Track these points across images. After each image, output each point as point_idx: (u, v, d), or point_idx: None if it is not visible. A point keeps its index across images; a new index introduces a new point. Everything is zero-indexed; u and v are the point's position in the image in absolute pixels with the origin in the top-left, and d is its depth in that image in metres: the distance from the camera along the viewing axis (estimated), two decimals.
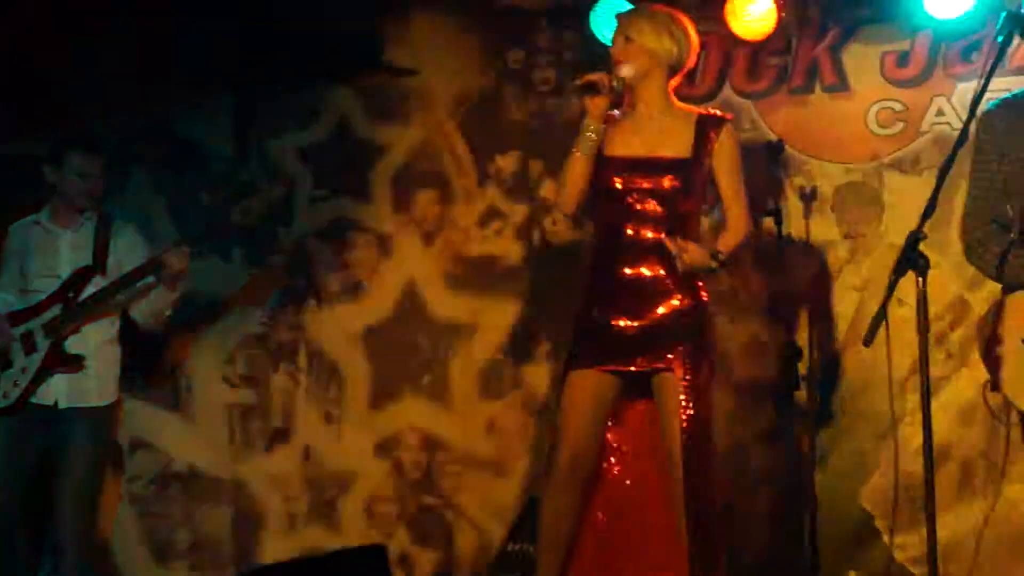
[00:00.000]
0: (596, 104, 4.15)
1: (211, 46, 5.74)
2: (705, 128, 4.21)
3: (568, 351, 4.32)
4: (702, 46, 5.35)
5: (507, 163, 5.82)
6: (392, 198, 5.98)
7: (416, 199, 5.94)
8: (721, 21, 5.20)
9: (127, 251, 5.08)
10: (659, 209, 4.17)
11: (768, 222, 5.03)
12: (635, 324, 4.17)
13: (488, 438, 5.80)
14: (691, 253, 4.05)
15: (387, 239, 5.98)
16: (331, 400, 6.02)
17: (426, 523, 5.85)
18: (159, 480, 6.08)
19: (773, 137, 5.26)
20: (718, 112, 4.32)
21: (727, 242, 4.19)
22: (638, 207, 4.19)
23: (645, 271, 4.18)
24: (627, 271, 4.20)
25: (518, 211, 5.82)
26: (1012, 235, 3.74)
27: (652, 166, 4.19)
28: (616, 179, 4.20)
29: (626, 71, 4.16)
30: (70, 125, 5.50)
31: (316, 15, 5.66)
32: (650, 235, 4.16)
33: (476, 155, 5.88)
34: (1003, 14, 3.62)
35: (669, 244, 4.06)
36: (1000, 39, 3.63)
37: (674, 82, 4.29)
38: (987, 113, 3.85)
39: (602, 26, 5.27)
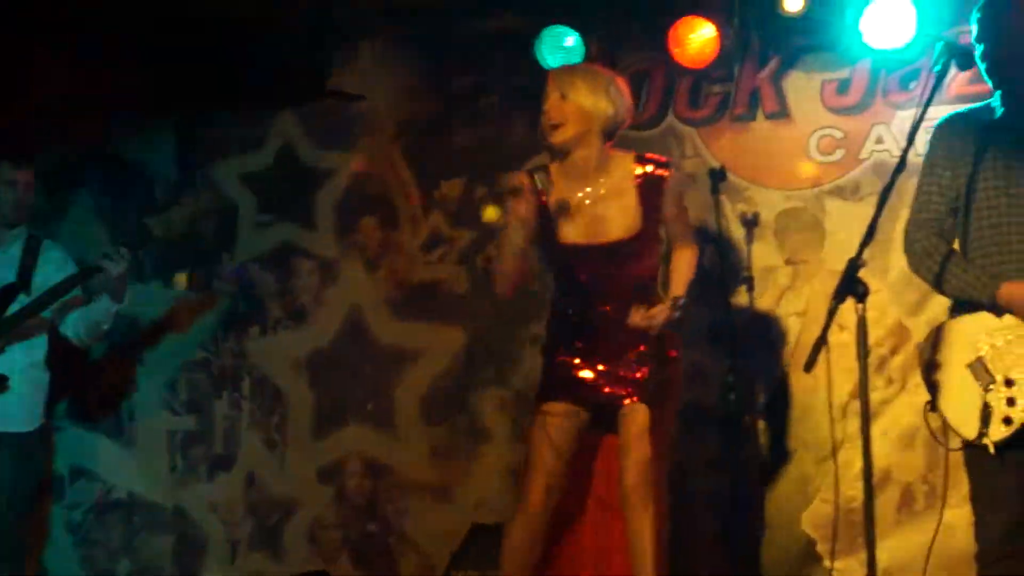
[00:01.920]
0: (517, 206, 4.17)
1: (155, 70, 5.69)
2: (649, 188, 4.18)
3: (539, 384, 4.33)
4: (646, 74, 5.42)
5: (452, 188, 5.81)
6: (336, 224, 5.96)
7: (360, 225, 5.93)
8: (664, 49, 5.22)
9: (55, 271, 4.99)
10: (618, 284, 4.19)
11: (710, 249, 5.05)
12: (601, 367, 4.19)
13: (432, 464, 5.77)
14: (657, 318, 4.07)
15: (331, 265, 5.96)
16: (274, 426, 5.99)
17: (370, 549, 5.81)
18: (98, 508, 6.00)
19: (716, 164, 5.27)
20: (655, 163, 4.23)
21: (681, 280, 4.20)
22: (597, 286, 4.20)
23: (605, 323, 4.20)
24: (589, 320, 4.21)
25: (463, 236, 5.80)
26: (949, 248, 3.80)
27: (606, 252, 4.18)
28: (572, 264, 4.22)
29: (559, 137, 4.13)
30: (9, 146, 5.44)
31: (261, 40, 5.63)
32: (612, 298, 4.18)
33: (421, 180, 5.86)
34: (939, 44, 3.66)
35: (637, 322, 4.08)
36: (937, 68, 3.68)
37: (608, 144, 4.22)
38: (940, 126, 3.90)
39: (547, 53, 5.28)
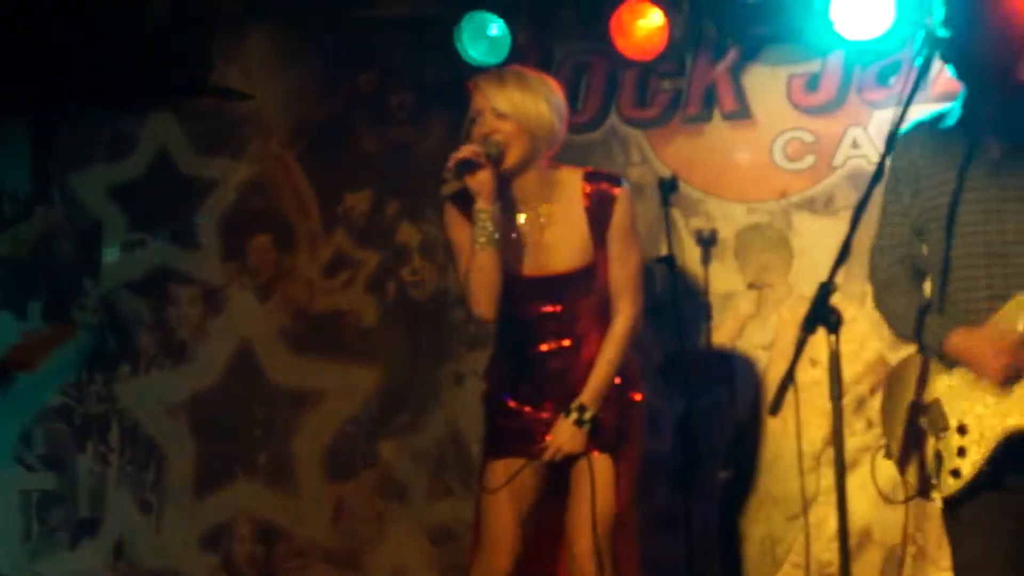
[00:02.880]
0: (480, 181, 4.05)
1: (4, 61, 5.62)
2: (599, 211, 4.17)
3: (483, 437, 4.33)
4: (584, 67, 5.43)
5: (358, 202, 5.81)
6: (221, 244, 5.95)
7: (250, 245, 5.91)
8: (605, 38, 5.23)
9: None
10: (568, 320, 4.20)
11: (661, 271, 5.05)
12: (551, 414, 4.18)
13: (336, 526, 5.75)
14: (561, 450, 4.12)
15: (215, 292, 5.94)
16: (148, 485, 5.95)
17: None
18: None
19: (666, 173, 5.28)
20: (606, 179, 4.24)
21: (597, 380, 4.16)
22: (544, 323, 4.21)
23: (555, 364, 4.21)
24: (538, 363, 4.22)
25: (371, 259, 5.79)
26: (926, 281, 3.82)
27: (549, 286, 4.19)
28: (514, 299, 4.20)
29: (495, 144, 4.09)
30: None
31: (130, 27, 5.58)
32: (559, 335, 4.20)
33: (321, 193, 5.85)
34: (921, 33, 3.68)
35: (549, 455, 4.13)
36: (919, 62, 3.68)
37: (547, 157, 4.22)
38: (901, 137, 3.91)
39: (468, 43, 5.27)
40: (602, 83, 5.50)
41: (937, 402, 3.71)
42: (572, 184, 4.21)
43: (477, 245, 4.07)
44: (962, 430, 3.65)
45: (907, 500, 3.80)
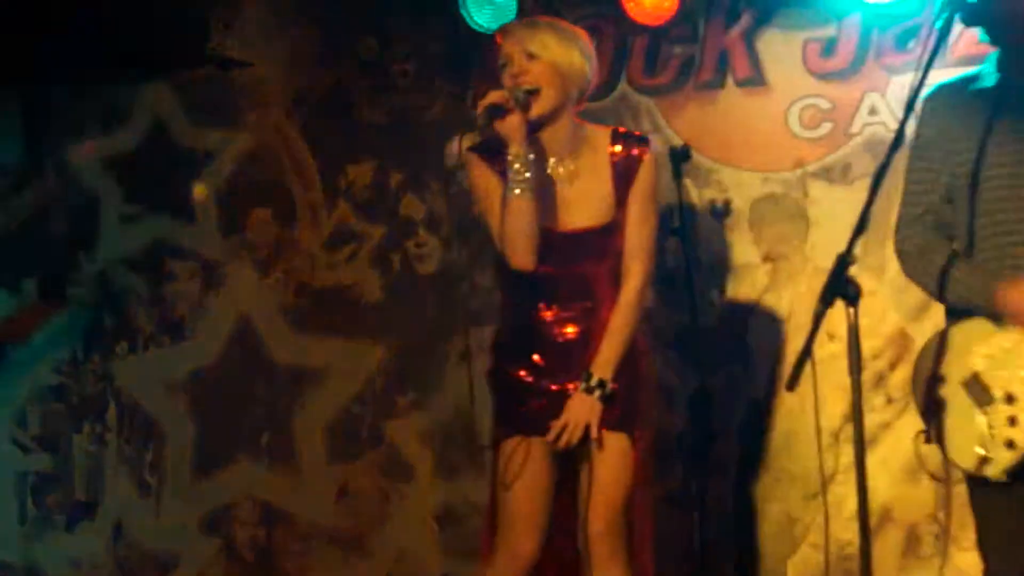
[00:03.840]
0: (511, 126, 4.02)
1: None
2: (624, 171, 4.16)
3: (494, 414, 4.29)
4: (593, 33, 5.40)
5: (360, 173, 5.80)
6: (220, 217, 5.94)
7: (250, 218, 5.90)
8: (615, 3, 5.23)
9: None
10: (582, 274, 4.18)
11: (673, 243, 5.03)
12: (562, 387, 4.16)
13: (340, 508, 5.75)
14: (575, 433, 4.08)
15: (214, 267, 5.93)
16: (147, 465, 5.95)
17: None
18: None
19: (678, 141, 5.27)
20: (633, 140, 4.23)
21: (609, 349, 4.12)
22: (556, 286, 4.17)
23: (570, 331, 4.18)
24: (551, 330, 4.19)
25: (374, 232, 5.78)
26: (954, 246, 3.79)
27: (569, 243, 4.16)
28: None
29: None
30: None
31: None
32: (573, 299, 4.17)
33: (322, 164, 5.84)
34: None
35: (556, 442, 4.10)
36: (939, 25, 3.66)
37: (576, 110, 4.22)
38: (926, 101, 3.90)
39: (473, 9, 5.26)
40: (611, 49, 5.48)
41: (976, 375, 3.69)
42: (599, 141, 4.21)
43: (513, 192, 4.03)
44: (1010, 399, 3.64)
45: (962, 479, 3.76)
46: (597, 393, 4.06)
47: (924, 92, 3.63)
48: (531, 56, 4.09)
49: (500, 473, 4.19)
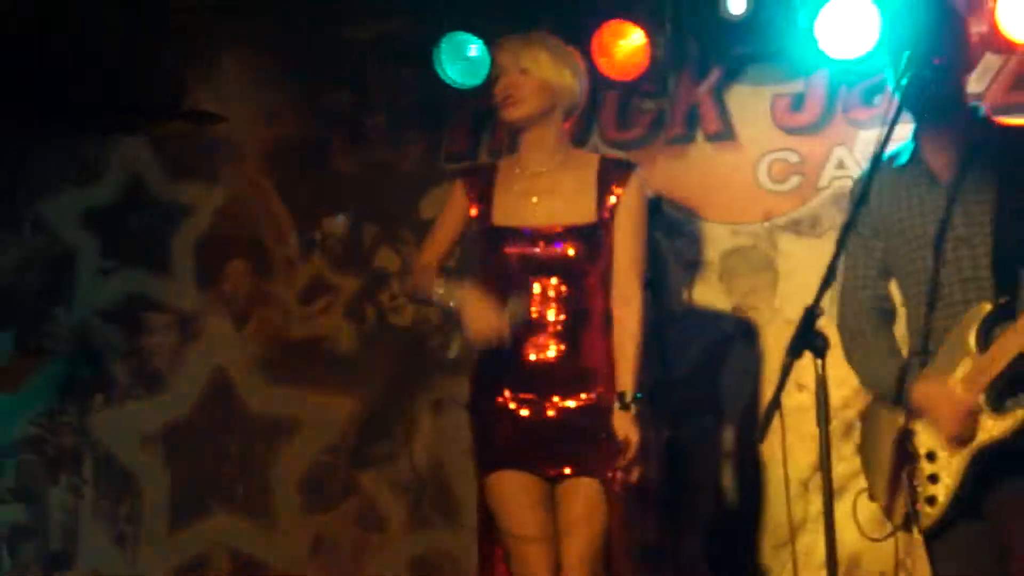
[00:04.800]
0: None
1: None
2: (608, 181, 4.20)
3: (474, 447, 4.27)
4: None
5: (335, 226, 5.78)
6: (196, 270, 5.94)
7: (225, 271, 5.90)
8: (587, 58, 5.22)
9: None
10: (563, 288, 4.16)
11: (645, 295, 5.04)
12: (541, 419, 4.14)
13: (315, 559, 5.72)
14: (628, 432, 4.06)
15: (190, 320, 5.91)
16: (123, 517, 5.93)
17: None
18: None
19: (649, 194, 5.28)
20: (622, 157, 4.36)
21: (627, 365, 4.13)
22: (538, 287, 4.16)
23: (551, 354, 4.16)
24: (530, 355, 4.16)
25: (348, 284, 5.78)
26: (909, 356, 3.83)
27: (552, 238, 4.17)
28: (509, 253, 4.18)
29: (518, 112, 4.18)
30: None
31: (99, 48, 5.57)
32: (554, 316, 4.15)
33: (297, 217, 5.84)
34: (906, 53, 3.69)
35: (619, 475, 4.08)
36: (905, 81, 3.70)
37: (567, 127, 4.30)
38: (857, 183, 3.96)
39: (446, 63, 5.28)
40: (584, 104, 5.49)
41: (908, 433, 3.72)
42: (586, 159, 4.32)
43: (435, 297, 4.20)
44: (931, 457, 3.67)
45: (889, 536, 3.82)
46: (633, 409, 4.06)
47: (889, 148, 3.67)
48: (523, 71, 4.18)
49: (493, 509, 4.16)
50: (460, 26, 5.28)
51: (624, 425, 4.06)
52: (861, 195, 3.63)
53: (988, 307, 3.62)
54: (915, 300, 3.80)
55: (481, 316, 4.03)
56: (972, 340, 3.61)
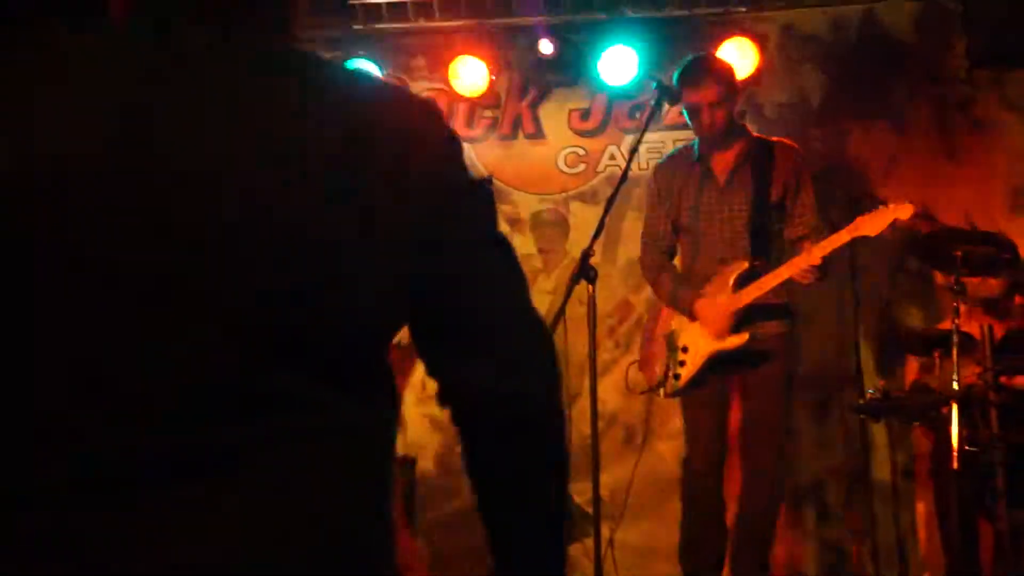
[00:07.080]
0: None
1: None
2: None
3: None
4: (433, 99, 5.39)
5: None
6: None
7: None
8: (445, 81, 5.22)
9: None
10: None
11: None
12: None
13: None
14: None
15: None
16: None
17: None
18: None
19: (486, 173, 5.28)
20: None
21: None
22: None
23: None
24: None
25: None
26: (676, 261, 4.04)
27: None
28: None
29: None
30: None
31: None
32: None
33: None
34: (655, 84, 3.76)
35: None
36: (654, 103, 3.78)
37: None
38: (660, 165, 4.10)
39: None
40: (443, 111, 5.44)
41: (674, 332, 3.88)
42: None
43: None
44: (684, 350, 3.83)
45: (645, 392, 4.03)
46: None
47: (642, 146, 3.79)
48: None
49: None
50: (360, 55, 5.18)
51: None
52: (624, 173, 3.70)
53: (745, 264, 3.74)
54: (689, 252, 3.94)
55: None
56: (731, 283, 3.74)
